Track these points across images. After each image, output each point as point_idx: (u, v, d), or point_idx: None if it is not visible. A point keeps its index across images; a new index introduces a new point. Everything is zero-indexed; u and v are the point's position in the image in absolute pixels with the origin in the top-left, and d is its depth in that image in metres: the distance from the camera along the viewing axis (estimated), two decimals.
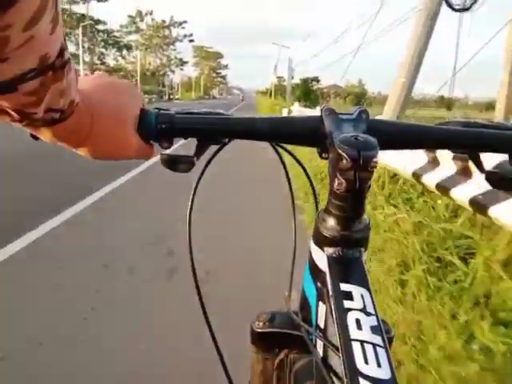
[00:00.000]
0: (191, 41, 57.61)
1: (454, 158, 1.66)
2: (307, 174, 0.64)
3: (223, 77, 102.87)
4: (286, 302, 0.57)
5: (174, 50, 57.24)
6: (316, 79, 35.61)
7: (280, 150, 0.59)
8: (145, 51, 52.40)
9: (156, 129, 0.46)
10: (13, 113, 0.32)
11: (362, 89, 65.82)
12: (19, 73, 0.28)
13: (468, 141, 0.49)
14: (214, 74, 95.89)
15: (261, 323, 0.57)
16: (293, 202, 0.67)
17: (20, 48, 0.26)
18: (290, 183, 0.66)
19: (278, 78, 41.86)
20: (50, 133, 0.38)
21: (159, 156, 0.46)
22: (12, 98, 0.30)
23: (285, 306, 0.57)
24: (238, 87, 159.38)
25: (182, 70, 60.91)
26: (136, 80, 41.90)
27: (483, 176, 0.49)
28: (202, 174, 0.55)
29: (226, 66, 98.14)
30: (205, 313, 0.60)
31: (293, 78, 38.63)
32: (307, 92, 31.80)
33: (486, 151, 0.49)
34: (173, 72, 58.21)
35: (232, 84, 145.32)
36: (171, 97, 56.33)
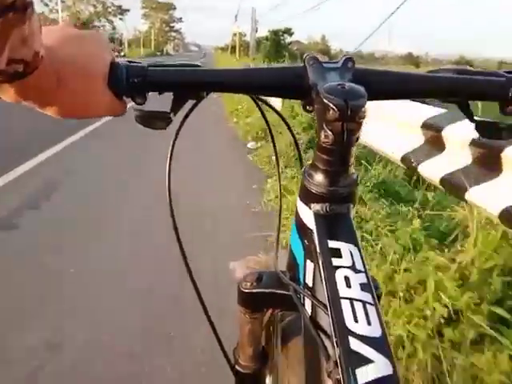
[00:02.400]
0: None
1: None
2: (289, 128, 0.62)
3: (177, 31, 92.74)
4: (273, 262, 0.58)
5: None
6: (288, 31, 28.36)
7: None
8: None
9: (128, 83, 0.43)
10: None
11: (326, 46, 59.52)
12: None
13: (459, 89, 0.48)
14: (167, 28, 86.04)
15: (248, 283, 0.56)
16: (277, 164, 0.67)
17: None
18: (273, 141, 0.65)
19: (239, 33, 34.27)
20: (14, 91, 0.37)
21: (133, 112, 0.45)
22: None
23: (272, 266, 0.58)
24: (196, 43, 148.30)
25: (121, 19, 50.86)
26: None
27: (473, 125, 0.48)
28: (179, 131, 0.53)
29: (180, 19, 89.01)
30: (193, 281, 0.60)
31: (257, 30, 30.82)
32: (278, 47, 24.67)
33: (477, 99, 0.49)
34: (111, 22, 48.04)
35: (188, 40, 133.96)
36: (115, 53, 46.99)
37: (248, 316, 0.59)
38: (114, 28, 52.98)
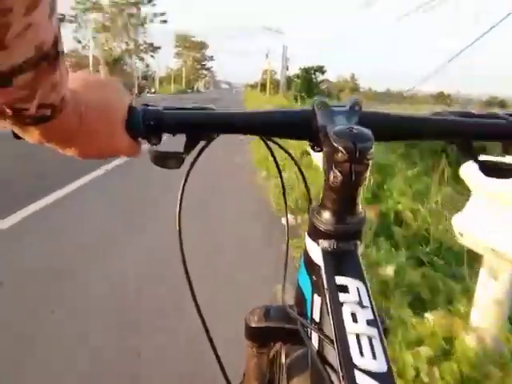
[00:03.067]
0: (164, 21, 47.94)
1: None
2: (299, 168, 0.65)
3: (208, 69, 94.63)
4: (281, 296, 0.58)
5: (144, 33, 47.04)
6: (320, 69, 27.36)
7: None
8: (103, 31, 41.98)
9: (144, 125, 0.46)
10: (5, 109, 0.32)
11: (355, 84, 59.53)
12: (17, 63, 0.28)
13: (463, 130, 0.50)
14: (199, 66, 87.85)
15: (255, 318, 0.57)
16: (285, 202, 0.69)
17: (20, 35, 0.26)
18: (281, 179, 0.67)
19: (270, 70, 33.81)
20: (38, 133, 0.39)
21: (148, 153, 0.47)
22: (6, 92, 0.30)
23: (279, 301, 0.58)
24: (226, 81, 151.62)
25: (152, 57, 51.31)
26: (97, 71, 32.82)
27: (476, 165, 0.50)
28: (189, 173, 0.55)
29: (211, 58, 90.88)
30: (197, 305, 0.59)
31: (287, 69, 30.32)
32: (310, 85, 23.65)
33: (479, 140, 0.51)
34: (142, 59, 48.42)
35: (219, 78, 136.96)
36: (145, 90, 47.36)
37: (255, 350, 0.60)
38: (147, 66, 53.90)
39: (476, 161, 0.49)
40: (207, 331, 0.59)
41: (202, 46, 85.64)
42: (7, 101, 0.31)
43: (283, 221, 3.40)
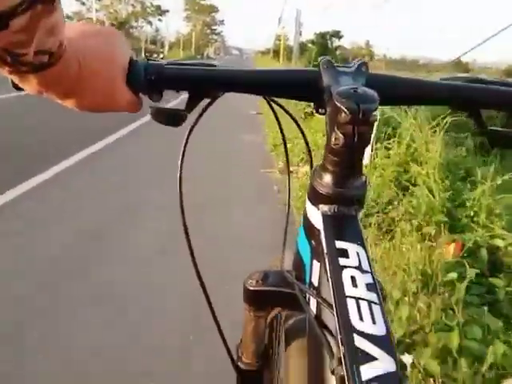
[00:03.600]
0: None
1: None
2: (301, 130, 0.63)
3: (219, 34, 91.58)
4: (280, 261, 0.59)
5: None
6: (337, 34, 25.47)
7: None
8: None
9: (145, 80, 0.45)
10: (4, 54, 0.32)
11: (369, 51, 57.52)
12: (11, 4, 0.28)
13: (472, 97, 0.48)
14: (209, 31, 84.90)
15: (254, 281, 0.57)
16: (288, 173, 0.67)
17: None
18: (285, 145, 0.66)
19: (283, 36, 32.06)
20: (37, 82, 0.38)
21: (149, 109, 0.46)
22: (3, 35, 0.30)
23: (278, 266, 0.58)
24: (237, 47, 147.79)
25: (160, 20, 48.94)
26: None
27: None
28: (190, 132, 0.54)
29: (221, 22, 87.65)
30: (200, 278, 0.60)
31: (301, 34, 28.43)
32: (325, 51, 22.01)
33: (489, 108, 0.49)
34: (149, 23, 46.19)
35: (230, 43, 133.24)
36: (154, 55, 45.61)
37: (253, 314, 0.60)
38: (157, 30, 51.82)
39: (484, 129, 0.48)
40: (205, 291, 0.59)
41: (211, 9, 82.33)
42: (5, 45, 0.31)
43: None
